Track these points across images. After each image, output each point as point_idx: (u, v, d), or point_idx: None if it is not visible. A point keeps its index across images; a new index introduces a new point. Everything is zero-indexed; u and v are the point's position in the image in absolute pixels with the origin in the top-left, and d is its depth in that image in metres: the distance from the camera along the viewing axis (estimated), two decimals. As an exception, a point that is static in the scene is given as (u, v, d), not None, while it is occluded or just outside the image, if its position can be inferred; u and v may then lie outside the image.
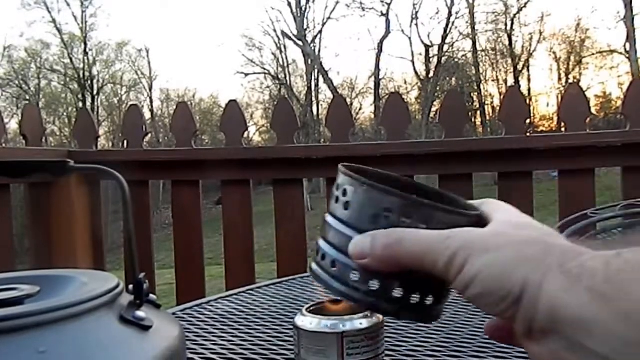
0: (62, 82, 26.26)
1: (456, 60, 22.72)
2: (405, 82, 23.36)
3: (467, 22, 22.38)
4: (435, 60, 21.44)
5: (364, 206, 0.47)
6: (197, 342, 0.69)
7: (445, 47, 21.81)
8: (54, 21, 25.07)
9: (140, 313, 0.31)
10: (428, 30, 33.70)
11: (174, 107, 3.13)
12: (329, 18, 22.63)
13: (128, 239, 0.34)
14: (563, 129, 2.38)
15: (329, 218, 0.49)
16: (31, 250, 2.60)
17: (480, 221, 0.48)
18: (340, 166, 0.51)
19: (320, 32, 22.70)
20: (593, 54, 23.64)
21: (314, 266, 0.48)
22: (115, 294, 0.31)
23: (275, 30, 23.78)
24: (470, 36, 22.49)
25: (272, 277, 1.46)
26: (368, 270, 0.44)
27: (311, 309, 0.59)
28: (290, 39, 23.10)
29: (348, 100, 19.70)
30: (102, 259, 2.66)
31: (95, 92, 25.29)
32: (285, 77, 24.28)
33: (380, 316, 0.58)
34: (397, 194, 0.47)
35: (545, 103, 26.03)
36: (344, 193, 0.48)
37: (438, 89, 20.61)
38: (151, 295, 0.35)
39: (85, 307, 0.29)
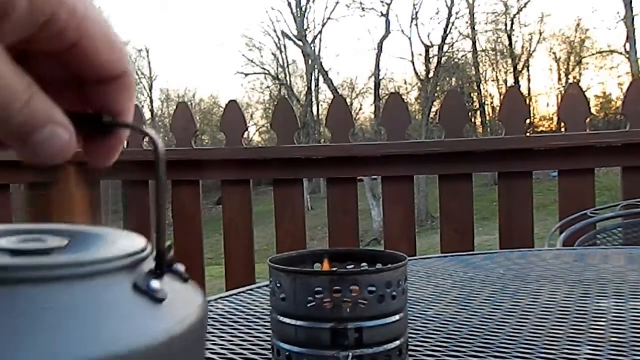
0: (62, 82, 26.26)
1: (456, 60, 22.70)
2: (406, 83, 23.36)
3: (467, 23, 22.37)
4: (435, 60, 21.42)
5: (298, 293, 0.51)
6: (197, 342, 0.69)
7: (445, 48, 21.80)
8: (54, 21, 25.08)
9: (156, 284, 0.29)
10: (428, 31, 33.77)
11: (174, 107, 3.12)
12: (329, 18, 22.62)
13: (158, 204, 0.32)
14: (563, 129, 2.38)
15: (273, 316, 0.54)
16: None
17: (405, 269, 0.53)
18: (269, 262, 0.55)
19: (321, 32, 22.70)
20: (593, 54, 23.65)
21: None
22: (138, 259, 0.29)
23: (275, 31, 23.79)
24: (470, 36, 22.48)
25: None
26: None
27: None
28: (290, 39, 23.09)
29: (348, 100, 19.69)
30: (102, 259, 2.66)
31: (95, 93, 25.26)
32: (286, 77, 24.28)
33: None
34: (323, 273, 0.53)
35: (545, 103, 26.06)
36: (279, 286, 0.53)
37: (438, 89, 20.60)
38: (179, 266, 0.32)
39: (99, 268, 0.27)
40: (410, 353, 0.59)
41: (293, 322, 0.51)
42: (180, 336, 0.28)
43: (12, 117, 0.28)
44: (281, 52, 24.35)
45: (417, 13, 22.44)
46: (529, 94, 23.30)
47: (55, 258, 0.27)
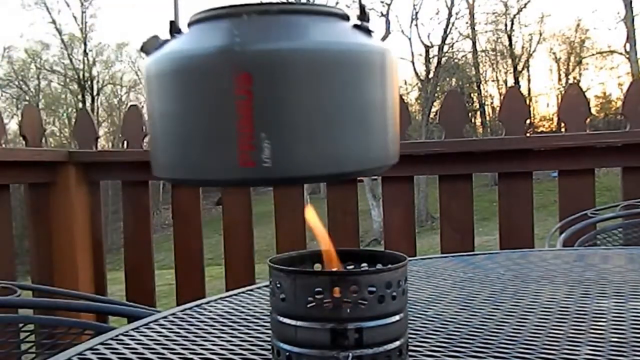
0: (62, 83, 26.26)
1: (456, 60, 22.70)
2: (405, 83, 23.34)
3: (467, 23, 22.37)
4: (435, 60, 21.42)
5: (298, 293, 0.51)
6: (197, 343, 0.69)
7: (445, 48, 21.79)
8: (53, 22, 25.06)
9: (365, 24, 0.44)
10: (428, 31, 33.82)
11: (174, 107, 3.11)
12: (328, 18, 22.60)
13: None
14: (563, 129, 2.38)
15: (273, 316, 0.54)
16: (31, 251, 2.60)
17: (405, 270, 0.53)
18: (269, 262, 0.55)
19: (320, 32, 22.68)
20: (593, 55, 23.66)
21: None
22: (347, 15, 0.46)
23: (275, 31, 23.77)
24: (470, 37, 22.48)
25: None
26: None
27: None
28: (290, 39, 23.06)
29: (348, 100, 19.57)
30: (102, 259, 2.66)
31: (95, 93, 25.27)
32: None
33: None
34: (323, 273, 0.53)
35: (545, 103, 26.08)
36: (279, 287, 0.53)
37: (438, 89, 20.60)
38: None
39: (328, 10, 0.43)
40: (410, 353, 0.59)
41: (293, 322, 0.51)
42: (390, 57, 0.45)
43: None
44: (281, 52, 24.31)
45: (417, 13, 22.50)
46: (529, 94, 23.31)
47: (296, 6, 0.42)
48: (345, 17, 0.44)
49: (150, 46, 0.47)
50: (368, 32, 0.44)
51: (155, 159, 0.46)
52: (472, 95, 23.40)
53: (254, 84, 0.38)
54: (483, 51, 23.66)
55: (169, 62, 0.43)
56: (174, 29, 0.47)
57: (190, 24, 0.45)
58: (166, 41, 0.46)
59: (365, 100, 0.42)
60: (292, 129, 0.39)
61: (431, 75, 21.17)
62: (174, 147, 0.43)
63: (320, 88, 0.39)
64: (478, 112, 23.57)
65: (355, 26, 0.44)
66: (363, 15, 0.45)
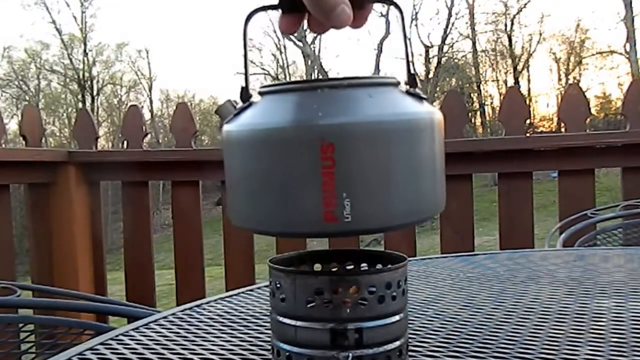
0: (62, 83, 26.25)
1: (456, 60, 22.71)
2: (406, 83, 23.34)
3: (466, 23, 22.39)
4: (435, 60, 21.43)
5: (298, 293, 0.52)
6: (197, 343, 0.69)
7: (445, 48, 21.82)
8: (53, 22, 25.06)
9: (417, 90, 0.52)
10: (428, 31, 33.80)
11: (174, 107, 3.12)
12: (328, 18, 22.61)
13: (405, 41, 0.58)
14: (563, 130, 2.38)
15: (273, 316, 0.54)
16: (31, 251, 2.60)
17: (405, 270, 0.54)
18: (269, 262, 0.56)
19: (320, 32, 22.67)
20: (593, 55, 23.65)
21: None
22: (398, 81, 0.53)
23: (275, 31, 23.78)
24: (470, 37, 22.49)
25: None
26: None
27: None
28: (290, 39, 23.09)
29: (348, 100, 19.58)
30: (102, 260, 2.66)
31: (95, 93, 25.26)
32: (285, 77, 24.27)
33: None
34: (323, 273, 0.55)
35: (545, 103, 26.05)
36: (278, 287, 0.53)
37: (438, 89, 20.60)
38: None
39: (384, 81, 0.52)
40: (410, 353, 0.59)
41: (293, 322, 0.51)
42: (437, 118, 0.52)
43: (325, 3, 0.49)
44: (281, 52, 24.36)
45: (417, 13, 22.46)
46: (529, 94, 23.29)
47: (360, 80, 0.50)
48: (397, 84, 0.53)
49: (225, 111, 0.53)
50: (419, 97, 0.52)
51: (239, 212, 0.52)
52: (472, 95, 23.39)
53: (335, 152, 0.46)
54: (483, 51, 23.67)
55: (255, 133, 0.49)
56: (245, 96, 0.53)
57: (262, 94, 0.52)
58: (242, 109, 0.52)
59: (419, 160, 0.50)
60: (366, 189, 0.47)
61: (431, 75, 21.17)
62: (263, 204, 0.49)
63: (385, 153, 0.48)
64: (478, 112, 23.56)
65: (407, 92, 0.52)
66: (412, 82, 0.53)
